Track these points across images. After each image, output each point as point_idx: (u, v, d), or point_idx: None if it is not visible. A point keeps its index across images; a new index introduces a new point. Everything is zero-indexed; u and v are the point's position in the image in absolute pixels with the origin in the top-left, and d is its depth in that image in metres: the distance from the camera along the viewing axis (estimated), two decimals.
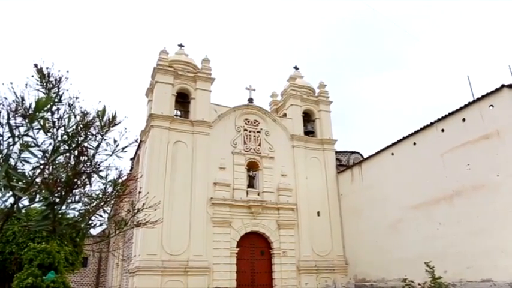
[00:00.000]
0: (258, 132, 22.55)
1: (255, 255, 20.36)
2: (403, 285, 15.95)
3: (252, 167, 21.85)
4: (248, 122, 22.58)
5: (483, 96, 14.68)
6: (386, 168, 19.58)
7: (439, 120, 16.61)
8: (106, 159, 3.79)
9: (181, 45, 24.17)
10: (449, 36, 73.13)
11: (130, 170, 25.95)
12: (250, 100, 23.75)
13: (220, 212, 19.77)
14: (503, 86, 14.00)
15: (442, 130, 16.47)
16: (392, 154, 19.32)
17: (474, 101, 15.04)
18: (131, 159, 27.31)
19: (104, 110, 3.66)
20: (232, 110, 22.52)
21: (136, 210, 4.64)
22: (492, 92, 14.35)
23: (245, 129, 22.26)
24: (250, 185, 21.45)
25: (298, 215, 21.61)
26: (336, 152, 24.95)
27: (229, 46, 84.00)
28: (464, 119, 15.49)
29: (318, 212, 22.24)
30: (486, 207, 14.15)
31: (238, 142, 21.75)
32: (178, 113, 22.66)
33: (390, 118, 76.32)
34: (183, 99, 22.40)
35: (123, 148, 3.86)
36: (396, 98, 78.07)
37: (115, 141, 3.77)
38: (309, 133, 24.61)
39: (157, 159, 19.32)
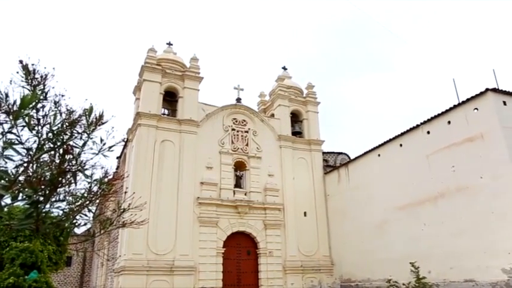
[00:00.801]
0: (246, 132, 22.54)
1: (241, 255, 20.35)
2: (388, 286, 16.13)
3: (239, 166, 21.83)
4: (236, 121, 22.55)
5: (468, 100, 14.92)
6: (373, 169, 19.77)
7: (425, 122, 16.83)
8: (92, 158, 3.74)
9: (169, 44, 24.03)
10: (436, 39, 74.14)
11: (117, 169, 25.69)
12: (239, 100, 23.72)
13: (207, 211, 19.71)
14: (487, 89, 14.26)
15: (428, 132, 16.70)
16: (379, 155, 19.51)
17: (459, 104, 15.28)
18: (117, 157, 27.03)
19: (90, 109, 3.61)
20: (220, 109, 22.47)
21: (122, 210, 4.59)
22: (477, 96, 14.60)
23: (233, 129, 22.23)
24: (237, 184, 21.43)
25: (284, 215, 21.66)
26: (323, 153, 25.08)
27: (218, 45, 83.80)
28: (449, 122, 15.73)
29: (305, 213, 22.33)
30: (469, 209, 14.40)
31: (226, 142, 21.71)
32: (166, 111, 22.50)
33: (377, 119, 77.08)
34: (170, 98, 22.27)
35: (110, 147, 3.81)
36: (383, 100, 78.87)
37: (101, 140, 3.73)
38: (297, 133, 24.69)
39: (144, 158, 19.16)
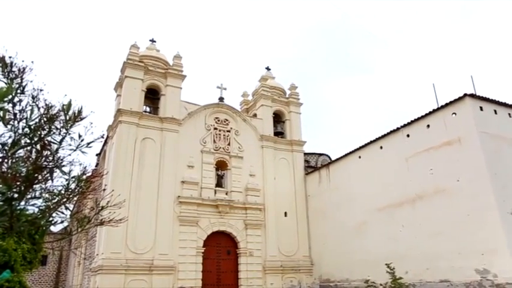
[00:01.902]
0: (228, 131, 22.48)
1: (221, 254, 20.28)
2: (366, 286, 16.33)
3: (221, 166, 21.76)
4: (218, 120, 22.46)
5: (447, 104, 15.23)
6: (353, 171, 19.97)
7: (404, 125, 17.11)
8: (70, 155, 3.67)
9: (152, 41, 23.75)
10: (416, 44, 75.51)
11: (96, 166, 25.26)
12: (221, 99, 23.64)
13: (187, 210, 19.57)
14: (465, 95, 14.58)
15: (408, 135, 16.97)
16: (360, 157, 19.73)
17: (438, 109, 15.58)
18: (97, 154, 26.59)
19: (69, 104, 3.54)
20: (203, 108, 22.34)
21: (100, 208, 4.52)
22: (455, 101, 14.92)
23: (215, 128, 22.14)
24: (219, 184, 21.35)
25: (265, 215, 21.70)
26: (305, 154, 25.23)
27: (202, 44, 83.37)
28: (428, 126, 16.02)
29: (285, 213, 22.41)
30: (446, 211, 14.70)
31: (208, 141, 21.61)
32: (148, 109, 22.25)
33: (358, 121, 78.04)
34: (152, 96, 22.05)
35: (89, 143, 3.75)
36: (364, 102, 79.88)
37: (80, 136, 3.66)
38: (279, 134, 24.76)
39: (124, 156, 18.91)
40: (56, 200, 3.73)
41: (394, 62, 78.19)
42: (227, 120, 22.75)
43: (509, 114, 15.42)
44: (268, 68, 27.41)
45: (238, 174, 21.75)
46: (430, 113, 15.92)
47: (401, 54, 74.73)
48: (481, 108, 14.70)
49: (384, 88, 77.78)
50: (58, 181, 3.64)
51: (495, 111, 15.06)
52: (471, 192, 13.95)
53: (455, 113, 15.00)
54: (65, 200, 3.77)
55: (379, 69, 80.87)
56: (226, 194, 21.13)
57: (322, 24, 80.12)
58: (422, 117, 16.25)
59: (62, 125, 3.52)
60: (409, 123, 16.90)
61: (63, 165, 3.61)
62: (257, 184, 22.04)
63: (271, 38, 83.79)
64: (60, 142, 3.56)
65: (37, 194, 3.55)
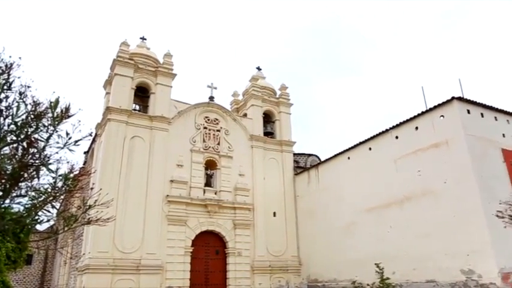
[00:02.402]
0: (218, 130, 22.42)
1: (209, 254, 20.22)
2: (353, 287, 16.43)
3: (210, 165, 21.69)
4: (208, 120, 22.38)
5: (435, 107, 15.41)
6: (342, 171, 20.08)
7: (393, 127, 17.26)
8: (57, 152, 3.61)
9: (143, 38, 23.60)
10: (406, 48, 76.23)
11: (84, 164, 25.00)
12: (211, 98, 23.57)
13: (176, 210, 19.47)
14: (453, 98, 14.76)
15: (396, 137, 17.12)
16: (349, 158, 19.85)
17: (426, 111, 15.75)
18: (85, 152, 26.31)
19: (57, 101, 3.49)
20: (193, 107, 22.25)
21: (87, 207, 4.46)
22: (443, 103, 15.10)
23: (205, 127, 22.06)
24: (208, 183, 21.27)
25: (254, 215, 21.69)
26: (294, 154, 25.29)
27: (193, 43, 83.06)
28: (417, 128, 16.19)
29: (274, 213, 22.43)
30: (433, 212, 14.87)
31: (197, 140, 21.52)
32: (137, 107, 22.09)
33: (347, 122, 78.50)
34: (142, 94, 21.87)
35: (76, 141, 3.70)
36: (353, 103, 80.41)
37: (67, 134, 3.61)
38: (269, 134, 24.78)
39: (112, 154, 18.74)
40: (42, 199, 3.67)
41: (384, 64, 78.85)
42: (217, 119, 22.69)
43: (495, 117, 15.66)
44: (259, 68, 27.40)
45: (228, 173, 21.71)
46: (419, 115, 16.08)
47: (391, 56, 75.38)
48: (468, 111, 14.90)
49: (374, 90, 78.41)
50: (44, 179, 3.59)
51: (482, 115, 15.29)
52: (458, 194, 14.14)
53: (443, 116, 15.18)
54: (51, 198, 3.71)
55: (370, 71, 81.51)
56: (216, 193, 21.07)
57: (313, 25, 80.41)
58: (411, 119, 16.41)
59: (49, 122, 3.46)
60: (397, 125, 17.05)
61: (50, 163, 3.56)
62: (246, 184, 22.02)
63: (262, 38, 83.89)
64: (47, 140, 3.51)
65: (22, 192, 3.49)
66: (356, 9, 74.28)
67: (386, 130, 17.55)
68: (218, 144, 22.09)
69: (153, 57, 22.35)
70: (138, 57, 21.69)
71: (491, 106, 15.48)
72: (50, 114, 3.44)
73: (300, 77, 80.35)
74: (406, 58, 73.72)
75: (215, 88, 24.28)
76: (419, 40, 74.64)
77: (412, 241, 15.51)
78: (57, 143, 3.56)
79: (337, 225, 19.65)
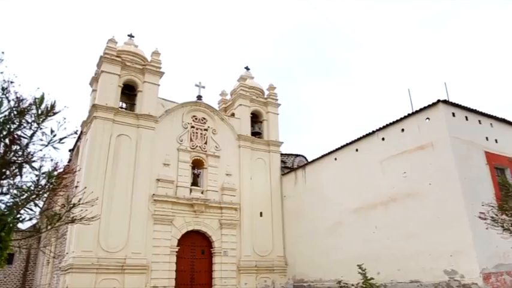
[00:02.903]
0: (205, 130, 22.33)
1: (195, 254, 20.13)
2: (339, 287, 16.53)
3: (197, 164, 21.59)
4: (196, 119, 22.27)
5: (421, 110, 15.60)
6: (329, 172, 20.19)
7: (380, 129, 17.42)
8: (41, 150, 3.55)
9: (131, 36, 23.38)
10: (393, 51, 77.04)
11: (69, 162, 24.64)
12: (199, 97, 23.48)
13: (162, 209, 19.33)
14: (439, 101, 14.97)
15: (383, 139, 17.28)
16: (335, 159, 19.96)
17: (413, 113, 15.94)
18: (70, 150, 25.95)
19: (42, 98, 3.42)
20: (180, 106, 22.12)
21: (71, 205, 4.39)
22: (429, 106, 15.30)
23: (192, 126, 21.94)
24: (195, 183, 21.17)
25: (241, 215, 21.67)
26: (282, 155, 25.34)
27: (182, 43, 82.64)
28: (403, 130, 16.37)
29: (261, 213, 22.44)
30: (417, 213, 15.05)
31: (185, 139, 21.40)
32: (124, 105, 21.85)
33: (335, 123, 79.00)
34: (129, 92, 21.64)
35: (61, 139, 3.64)
36: (341, 104, 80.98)
37: (52, 131, 3.54)
38: (256, 134, 24.77)
39: (98, 152, 18.52)
40: (24, 197, 3.60)
41: (372, 66, 79.59)
42: (205, 118, 22.60)
43: (479, 120, 15.93)
44: (247, 68, 27.38)
45: (215, 173, 21.64)
46: (405, 117, 16.26)
47: (379, 59, 76.10)
48: (453, 114, 15.13)
49: (361, 91, 79.07)
50: (27, 177, 3.52)
51: (466, 118, 15.54)
52: (442, 196, 14.35)
53: (428, 118, 15.38)
54: (34, 196, 3.64)
55: (358, 73, 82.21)
56: (202, 193, 20.98)
57: (302, 26, 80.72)
58: (397, 121, 16.58)
59: (33, 119, 3.40)
60: (384, 127, 17.22)
61: (34, 161, 3.49)
62: (233, 184, 21.98)
63: (251, 38, 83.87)
64: (31, 137, 3.44)
65: (4, 189, 3.42)
66: (345, 12, 74.78)
67: (373, 132, 17.71)
68: (205, 143, 22.00)
69: (140, 55, 22.15)
70: (125, 54, 21.46)
71: (475, 109, 15.75)
72: (34, 111, 3.38)
73: (289, 77, 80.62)
74: (393, 61, 74.52)
75: (203, 87, 24.21)
76: (407, 43, 75.56)
77: (397, 242, 15.68)
78: (41, 140, 3.49)
79: (323, 225, 19.75)
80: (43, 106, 3.41)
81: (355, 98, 79.62)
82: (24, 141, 3.36)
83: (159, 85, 21.79)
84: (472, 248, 13.21)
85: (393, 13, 73.89)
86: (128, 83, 21.17)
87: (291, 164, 26.17)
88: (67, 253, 18.00)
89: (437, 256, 14.13)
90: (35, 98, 3.39)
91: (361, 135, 18.36)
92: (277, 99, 26.08)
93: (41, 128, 3.50)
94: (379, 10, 73.77)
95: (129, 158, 19.34)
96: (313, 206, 20.72)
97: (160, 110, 21.22)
